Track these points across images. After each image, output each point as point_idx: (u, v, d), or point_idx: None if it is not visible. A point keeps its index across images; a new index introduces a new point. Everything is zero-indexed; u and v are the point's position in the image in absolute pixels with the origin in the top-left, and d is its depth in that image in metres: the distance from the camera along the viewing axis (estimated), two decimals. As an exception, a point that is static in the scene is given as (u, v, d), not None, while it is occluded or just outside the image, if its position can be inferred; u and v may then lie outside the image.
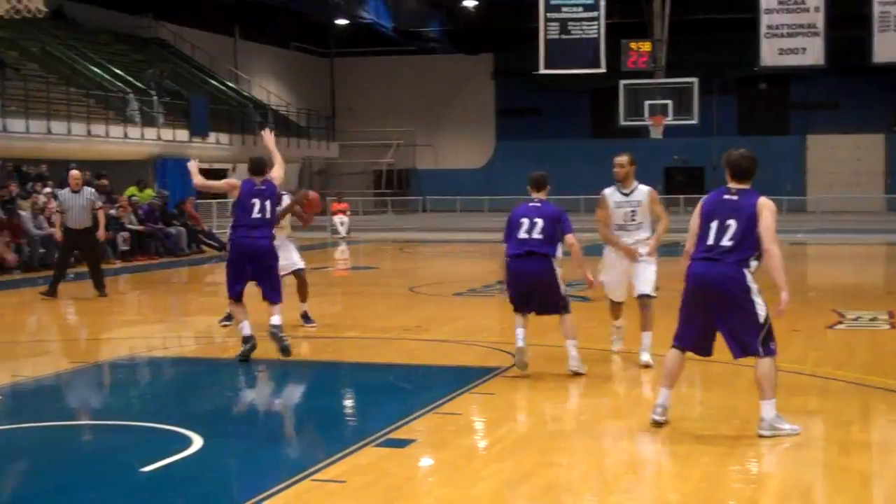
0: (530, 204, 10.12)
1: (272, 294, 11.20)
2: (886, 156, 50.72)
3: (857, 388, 9.53)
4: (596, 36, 34.63)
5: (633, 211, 10.55)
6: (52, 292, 17.20)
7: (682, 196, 46.02)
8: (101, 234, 17.77)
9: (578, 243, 9.97)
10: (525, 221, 10.01)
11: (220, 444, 7.81)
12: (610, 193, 10.65)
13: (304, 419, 9.20)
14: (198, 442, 7.72)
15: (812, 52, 33.87)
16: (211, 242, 28.59)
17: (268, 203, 11.26)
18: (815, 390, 9.44)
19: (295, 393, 9.98)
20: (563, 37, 35.01)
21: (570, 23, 34.97)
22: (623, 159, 10.72)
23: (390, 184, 53.96)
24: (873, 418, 8.52)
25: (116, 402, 9.54)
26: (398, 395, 9.53)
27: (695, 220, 8.02)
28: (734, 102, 52.15)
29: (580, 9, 34.93)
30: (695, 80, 33.60)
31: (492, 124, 55.55)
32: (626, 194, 10.59)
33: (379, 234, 35.48)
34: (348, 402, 9.52)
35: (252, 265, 11.19)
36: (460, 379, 9.90)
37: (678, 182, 50.83)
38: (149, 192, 29.17)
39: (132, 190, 28.32)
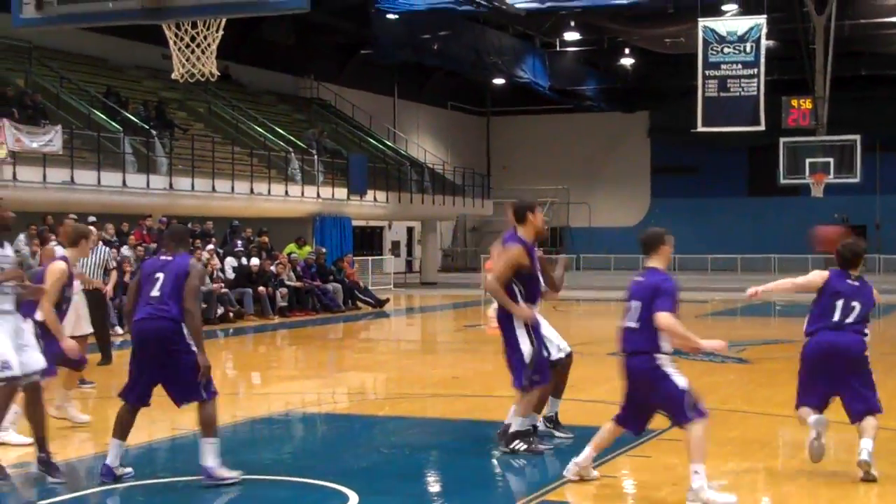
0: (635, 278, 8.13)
1: None
2: None
3: None
4: (755, 93, 34.13)
5: None
6: (107, 358, 15.74)
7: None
8: (109, 290, 15.93)
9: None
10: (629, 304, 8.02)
11: (376, 501, 7.86)
12: None
13: (458, 478, 9.20)
14: (353, 499, 7.78)
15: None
16: (367, 299, 28.94)
17: None
18: None
19: (450, 451, 9.99)
20: (722, 94, 34.60)
21: (729, 80, 34.55)
22: None
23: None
24: None
25: (272, 457, 9.68)
26: (556, 454, 9.47)
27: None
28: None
29: (739, 66, 34.50)
30: (856, 136, 32.86)
31: (647, 182, 55.21)
32: None
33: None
34: (503, 462, 9.49)
35: None
36: (616, 441, 9.78)
37: (840, 241, 49.60)
38: (307, 248, 29.71)
39: (291, 247, 28.90)
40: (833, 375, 8.62)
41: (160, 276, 8.35)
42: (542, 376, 9.39)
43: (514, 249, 9.42)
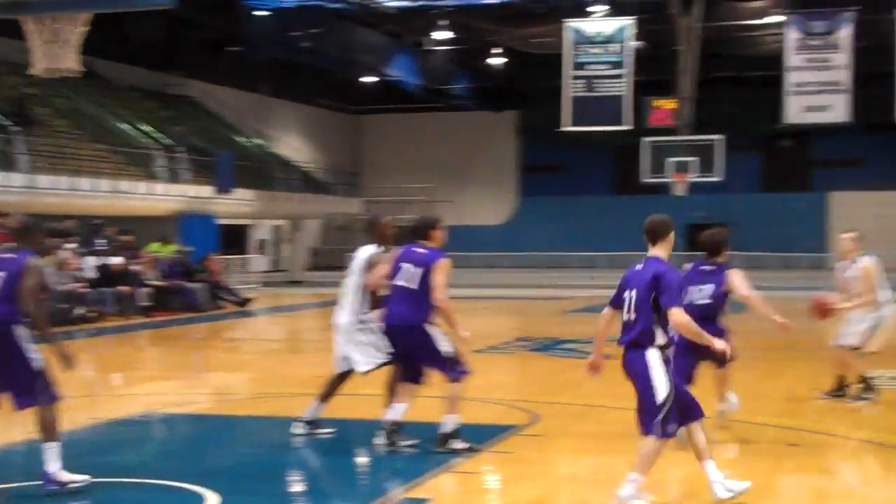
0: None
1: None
2: (910, 214, 50.54)
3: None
4: (622, 93, 34.72)
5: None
6: None
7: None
8: None
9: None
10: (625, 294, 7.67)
11: (238, 501, 7.75)
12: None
13: (320, 477, 9.13)
14: (212, 500, 7.66)
15: (837, 110, 33.86)
16: (231, 298, 28.61)
17: None
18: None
19: (312, 450, 9.90)
20: (589, 94, 35.12)
21: (595, 80, 35.09)
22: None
23: (408, 240, 53.96)
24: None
25: (131, 459, 9.48)
26: (415, 453, 9.45)
27: None
28: (757, 159, 52.06)
29: (606, 66, 35.05)
30: (720, 137, 33.58)
31: (514, 181, 55.63)
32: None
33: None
34: (365, 461, 9.43)
35: None
36: (478, 437, 9.80)
37: (701, 239, 50.78)
38: (171, 247, 29.28)
39: (155, 246, 28.42)
40: None
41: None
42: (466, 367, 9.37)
43: (448, 262, 9.35)
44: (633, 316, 7.44)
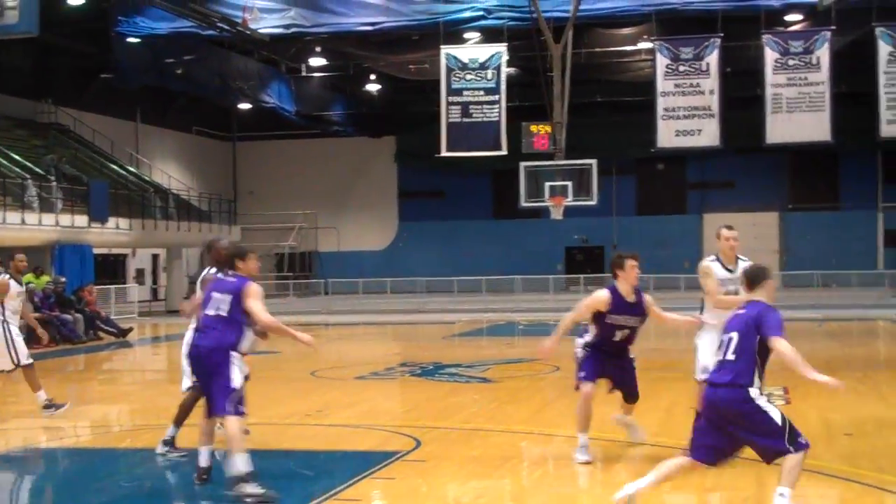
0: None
1: None
2: (781, 233, 51.94)
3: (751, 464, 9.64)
4: (497, 119, 35.06)
5: (736, 290, 10.04)
6: None
7: (582, 275, 46.63)
8: None
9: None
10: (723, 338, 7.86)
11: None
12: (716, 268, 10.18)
13: (201, 508, 9.05)
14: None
15: (708, 134, 34.60)
16: (109, 329, 28.15)
17: None
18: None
19: (193, 481, 9.80)
20: (465, 120, 35.39)
21: (471, 106, 35.38)
22: (735, 233, 10.31)
23: (292, 267, 53.80)
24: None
25: (7, 497, 9.29)
26: (298, 482, 9.43)
27: None
28: (633, 183, 53.05)
29: (481, 92, 35.37)
30: (593, 161, 34.07)
31: (394, 206, 55.81)
32: (732, 271, 10.13)
33: (281, 318, 35.04)
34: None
35: None
36: (361, 464, 9.83)
37: (579, 261, 51.58)
38: (45, 278, 28.71)
39: (28, 277, 27.83)
40: None
41: None
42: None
43: (258, 287, 9.27)
44: (732, 357, 7.63)
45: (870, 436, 11.34)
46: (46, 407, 13.88)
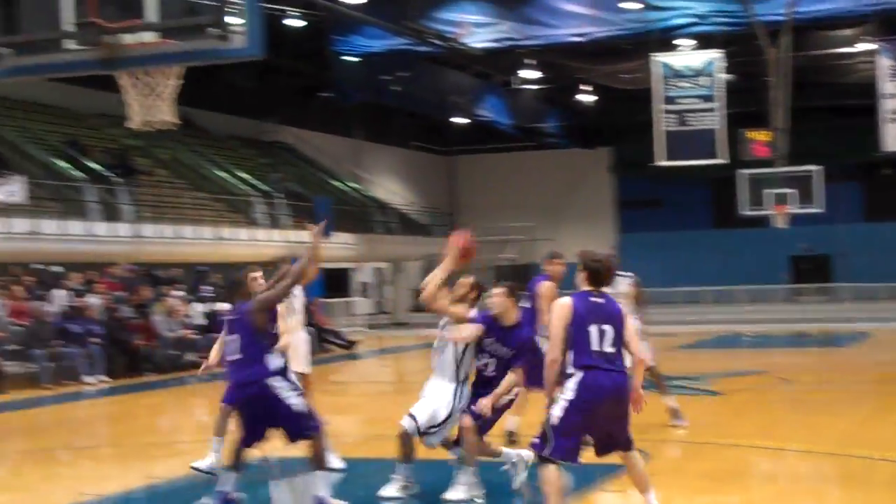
0: None
1: None
2: None
3: None
4: (714, 127, 34.48)
5: None
6: None
7: (811, 285, 45.30)
8: None
9: None
10: None
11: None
12: None
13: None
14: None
15: (936, 135, 33.32)
16: (337, 341, 28.91)
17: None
18: None
19: (434, 489, 9.97)
20: (681, 128, 34.93)
21: (687, 114, 34.91)
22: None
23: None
24: None
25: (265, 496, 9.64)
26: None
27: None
28: (858, 188, 51.31)
29: (697, 100, 34.87)
30: (817, 167, 33.20)
31: (611, 217, 55.50)
32: None
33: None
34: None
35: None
36: (591, 476, 9.80)
37: (805, 271, 50.11)
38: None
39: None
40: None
41: None
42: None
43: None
44: None
45: None
46: None
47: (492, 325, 9.30)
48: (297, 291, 14.83)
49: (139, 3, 7.54)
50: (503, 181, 55.28)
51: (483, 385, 9.35)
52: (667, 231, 52.30)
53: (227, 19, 7.76)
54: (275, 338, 9.14)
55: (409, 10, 34.63)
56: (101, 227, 28.01)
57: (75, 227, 27.22)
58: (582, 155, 54.83)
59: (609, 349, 7.64)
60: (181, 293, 25.57)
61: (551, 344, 7.71)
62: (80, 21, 7.24)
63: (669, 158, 35.33)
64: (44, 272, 24.73)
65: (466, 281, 9.64)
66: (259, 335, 8.75)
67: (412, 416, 9.38)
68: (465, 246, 9.61)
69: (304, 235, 35.80)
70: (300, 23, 35.54)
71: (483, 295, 9.62)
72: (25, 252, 24.77)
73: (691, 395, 16.31)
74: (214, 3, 7.27)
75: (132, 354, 23.00)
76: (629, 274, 12.07)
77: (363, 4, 33.67)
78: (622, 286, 11.13)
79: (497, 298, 9.43)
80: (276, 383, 8.67)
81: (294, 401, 8.72)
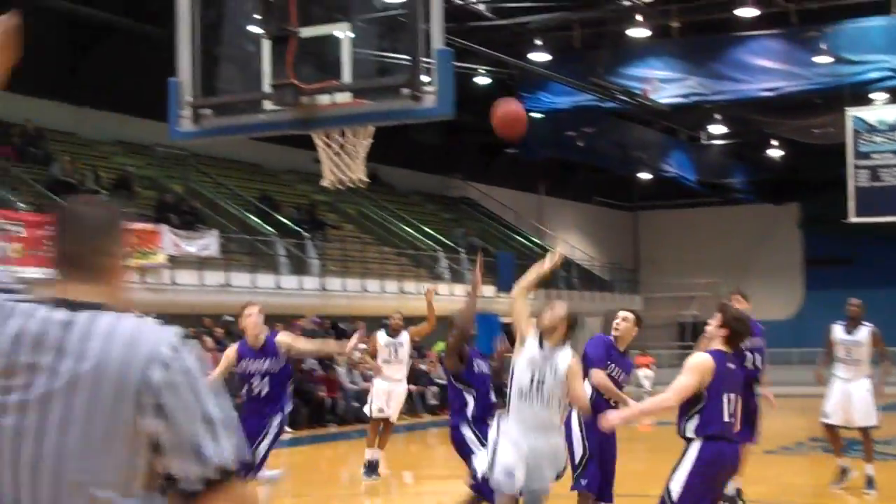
0: None
1: None
2: None
3: None
4: (910, 182, 33.50)
5: None
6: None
7: None
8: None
9: None
10: None
11: None
12: None
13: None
14: None
15: None
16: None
17: None
18: None
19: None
20: (875, 184, 34.00)
21: (881, 169, 33.99)
22: None
23: (695, 336, 53.24)
24: None
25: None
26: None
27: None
28: None
29: (892, 155, 33.97)
30: None
31: (799, 274, 54.22)
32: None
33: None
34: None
35: None
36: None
37: None
38: (440, 344, 29.92)
39: (442, 345, 29.11)
40: None
41: None
42: None
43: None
44: None
45: None
46: (369, 467, 14.17)
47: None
48: (405, 340, 15.13)
49: (335, 64, 7.78)
50: (687, 236, 54.62)
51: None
52: (857, 289, 50.65)
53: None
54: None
55: (595, 67, 34.69)
56: (290, 281, 28.72)
57: (265, 280, 27.97)
58: (769, 211, 53.83)
59: (731, 419, 7.47)
60: (364, 346, 25.94)
61: (679, 391, 7.47)
62: (278, 82, 7.51)
63: (861, 214, 34.37)
64: (233, 324, 25.45)
65: (560, 314, 9.00)
66: None
67: None
68: (513, 113, 8.89)
69: (486, 290, 36.07)
70: (487, 80, 35.95)
71: (575, 329, 9.08)
72: (217, 304, 25.55)
73: (881, 461, 15.75)
74: (407, 64, 7.46)
75: (316, 405, 23.47)
76: (869, 324, 12.04)
77: (550, 61, 33.89)
78: (862, 335, 11.13)
79: (624, 323, 9.51)
80: None
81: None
